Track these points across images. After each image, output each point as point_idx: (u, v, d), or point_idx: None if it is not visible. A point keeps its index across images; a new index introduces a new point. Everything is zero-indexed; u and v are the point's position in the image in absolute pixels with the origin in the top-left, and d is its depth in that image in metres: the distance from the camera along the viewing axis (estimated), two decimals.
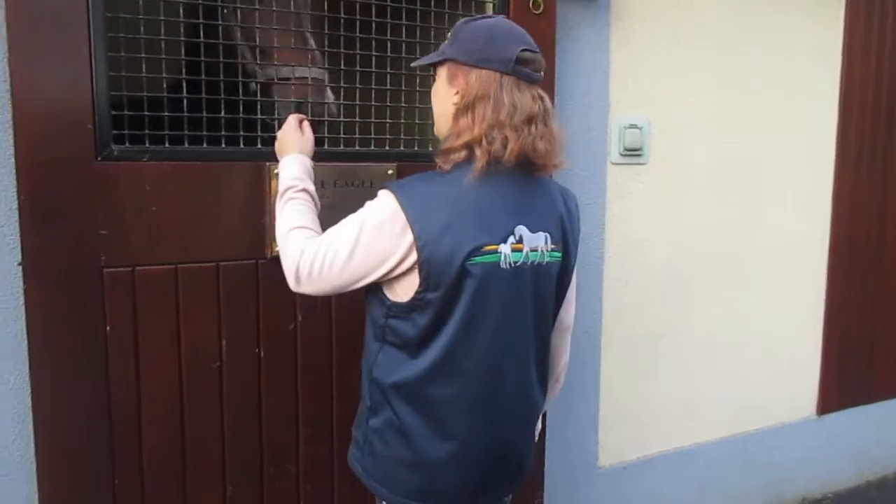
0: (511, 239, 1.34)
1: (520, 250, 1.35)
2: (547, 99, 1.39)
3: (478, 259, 1.31)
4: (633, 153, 2.41)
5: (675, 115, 2.49)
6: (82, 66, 1.55)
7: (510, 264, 1.34)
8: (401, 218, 1.29)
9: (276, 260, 1.74)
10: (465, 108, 1.35)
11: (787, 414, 2.92)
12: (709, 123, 2.56)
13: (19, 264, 1.58)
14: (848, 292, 2.94)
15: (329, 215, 1.78)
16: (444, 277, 1.30)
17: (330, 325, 1.88)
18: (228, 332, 1.76)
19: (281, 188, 1.49)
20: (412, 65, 1.53)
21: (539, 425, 1.67)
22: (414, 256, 1.29)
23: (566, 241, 1.44)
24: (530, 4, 2.03)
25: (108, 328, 1.64)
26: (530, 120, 1.33)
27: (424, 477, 1.40)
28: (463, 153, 1.34)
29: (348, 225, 1.35)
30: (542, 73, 1.39)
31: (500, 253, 1.33)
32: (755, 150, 2.67)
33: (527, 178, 1.38)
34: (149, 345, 1.68)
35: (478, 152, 1.32)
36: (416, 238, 1.28)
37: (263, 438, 1.83)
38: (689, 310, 2.63)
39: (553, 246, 1.40)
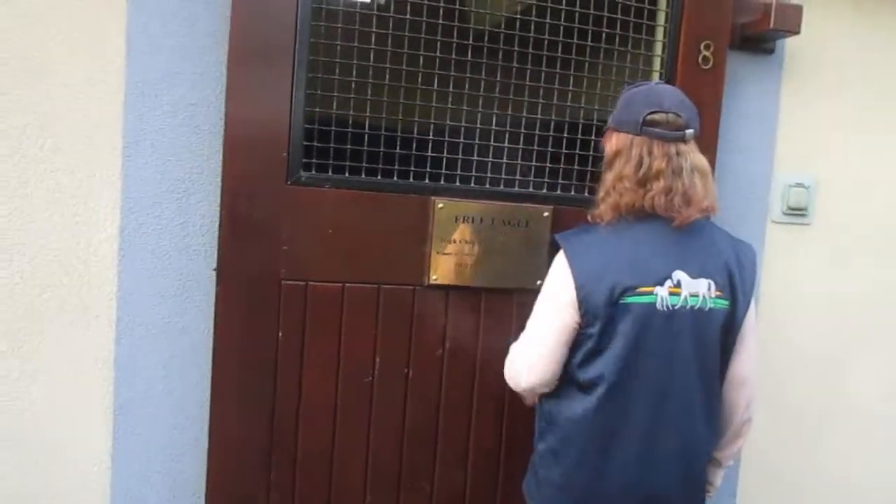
0: (668, 283, 1.43)
1: (678, 294, 1.43)
2: (690, 156, 1.47)
3: (631, 298, 1.42)
4: (796, 213, 2.34)
5: (843, 177, 2.38)
6: (284, 102, 1.77)
7: (667, 307, 1.42)
8: (566, 266, 1.47)
9: (433, 287, 1.89)
10: (606, 165, 1.53)
11: None
12: (883, 186, 2.43)
13: (214, 269, 1.80)
14: None
15: (486, 250, 1.91)
16: (601, 314, 1.42)
17: (475, 358, 1.96)
18: (382, 350, 1.90)
19: None
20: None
21: (717, 479, 1.68)
22: (576, 297, 1.43)
23: (734, 289, 1.49)
24: (699, 59, 2.05)
25: (280, 334, 1.83)
26: (658, 175, 1.44)
27: (571, 500, 1.49)
28: (600, 207, 1.52)
29: (537, 309, 1.55)
30: (686, 131, 1.47)
31: (656, 295, 1.43)
32: None
33: (686, 227, 1.46)
34: (313, 354, 1.85)
35: (607, 202, 1.50)
36: (575, 279, 1.44)
37: (403, 454, 1.94)
38: (846, 382, 2.47)
39: (718, 293, 1.47)
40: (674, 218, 1.44)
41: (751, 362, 1.57)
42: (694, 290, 1.44)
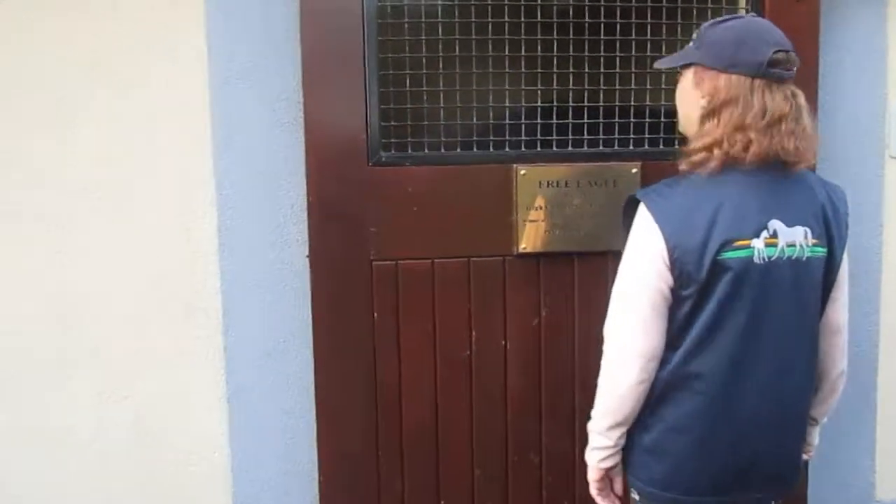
0: (764, 233, 1.32)
1: (774, 245, 1.32)
2: (801, 96, 1.36)
3: (729, 254, 1.31)
4: None
5: None
6: (358, 86, 1.79)
7: (764, 259, 1.32)
8: (653, 225, 1.34)
9: (523, 256, 1.87)
10: (711, 112, 1.36)
11: None
12: None
13: (307, 256, 1.85)
14: None
15: (574, 214, 1.87)
16: (696, 275, 1.31)
17: (573, 323, 1.92)
18: (478, 324, 1.89)
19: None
20: (655, 65, 1.55)
21: (814, 438, 1.60)
22: (668, 256, 1.33)
23: (830, 235, 1.38)
24: None
25: (374, 315, 1.86)
26: (780, 119, 1.32)
27: (666, 466, 1.40)
28: (702, 155, 1.35)
29: (621, 276, 1.41)
30: (795, 69, 1.36)
31: (753, 248, 1.31)
32: None
33: (780, 173, 1.35)
34: (409, 332, 1.87)
35: (716, 152, 1.33)
36: (666, 240, 1.32)
37: (508, 427, 1.93)
38: None
39: (815, 241, 1.36)
40: (794, 163, 1.34)
41: (845, 310, 1.47)
42: (791, 239, 1.34)
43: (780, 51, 1.33)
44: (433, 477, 1.91)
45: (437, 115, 1.86)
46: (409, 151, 1.85)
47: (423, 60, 1.84)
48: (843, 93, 2.09)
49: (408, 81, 1.83)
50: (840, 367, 1.50)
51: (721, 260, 1.31)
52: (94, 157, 1.82)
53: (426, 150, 1.86)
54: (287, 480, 1.95)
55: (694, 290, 1.33)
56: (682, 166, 1.40)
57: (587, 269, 1.90)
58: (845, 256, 1.44)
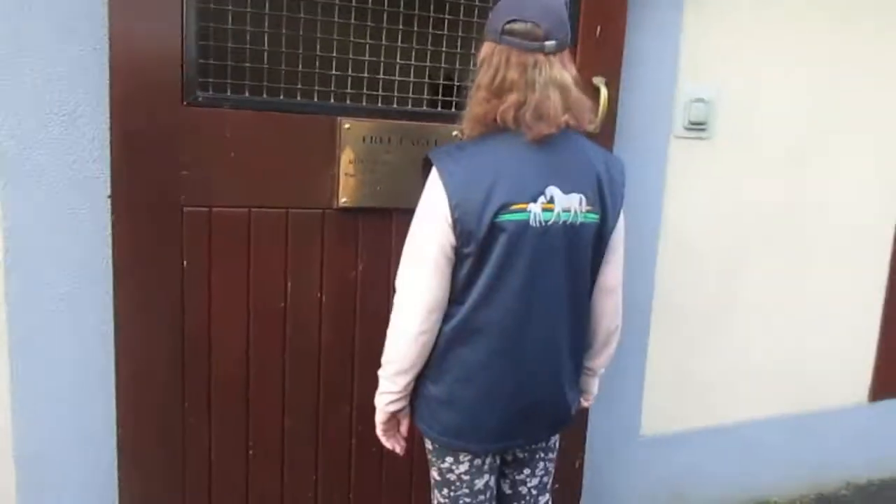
0: (542, 199, 1.42)
1: (550, 210, 1.43)
2: (550, 69, 1.41)
3: (506, 216, 1.40)
4: (696, 127, 2.41)
5: (744, 91, 2.46)
6: (174, 15, 1.65)
7: (540, 223, 1.42)
8: (439, 184, 1.41)
9: (342, 210, 1.86)
10: (474, 75, 1.49)
11: (839, 398, 2.91)
12: (781, 102, 2.52)
13: (108, 197, 1.71)
14: None
15: (395, 171, 1.89)
16: (476, 234, 1.39)
17: (388, 278, 1.96)
18: (293, 276, 1.87)
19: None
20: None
21: (593, 388, 1.75)
22: (450, 215, 1.40)
23: (604, 203, 1.50)
24: None
25: (184, 262, 1.77)
26: (511, 87, 1.41)
27: (455, 416, 1.52)
28: (464, 120, 1.49)
29: (411, 232, 1.47)
30: (546, 43, 1.41)
31: (530, 211, 1.41)
32: (829, 135, 2.62)
33: (559, 141, 1.45)
34: (221, 281, 1.81)
35: (466, 118, 1.47)
36: (449, 199, 1.39)
37: (321, 377, 1.95)
38: (746, 287, 2.63)
39: (589, 207, 1.47)
40: (525, 133, 1.42)
41: (619, 272, 1.60)
42: (566, 205, 1.43)
43: (516, 21, 1.41)
44: (243, 428, 1.89)
45: (260, 57, 1.77)
46: (229, 93, 1.75)
47: None
48: (642, 73, 2.28)
49: (230, 18, 1.72)
50: (615, 322, 1.65)
51: (499, 222, 1.39)
52: None
53: (247, 94, 1.77)
54: (79, 437, 1.82)
55: (474, 248, 1.41)
56: (456, 131, 1.50)
57: (405, 225, 1.91)
58: (621, 222, 1.56)
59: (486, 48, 1.46)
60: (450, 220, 1.40)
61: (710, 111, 2.41)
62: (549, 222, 1.43)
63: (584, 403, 1.77)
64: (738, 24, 2.40)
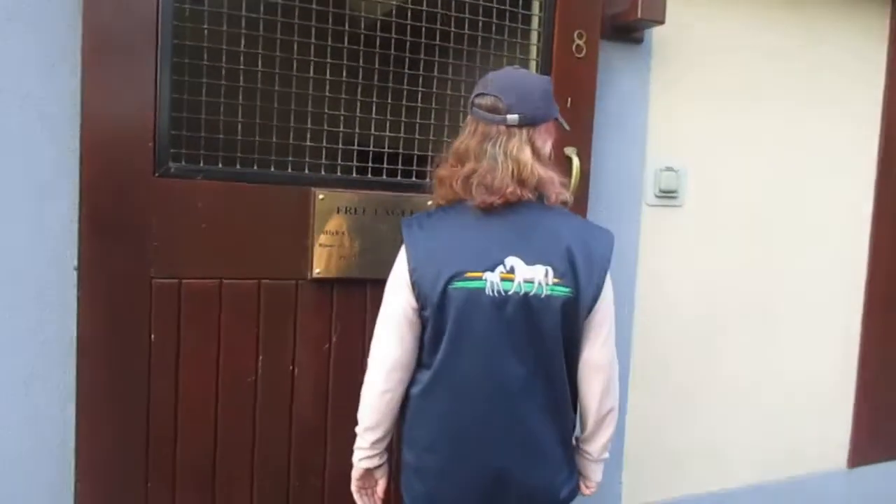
0: (500, 268, 1.43)
1: (510, 279, 1.42)
2: (507, 142, 1.44)
3: (460, 283, 1.41)
4: (668, 195, 2.45)
5: (710, 159, 2.52)
6: (148, 88, 1.65)
7: (498, 292, 1.42)
8: (404, 249, 1.48)
9: (316, 281, 1.84)
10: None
11: (817, 465, 2.88)
12: (744, 169, 2.59)
13: (75, 269, 1.67)
14: (884, 343, 2.90)
15: (370, 241, 1.88)
16: (431, 298, 1.42)
17: (362, 348, 1.93)
18: (265, 349, 1.83)
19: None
20: None
21: (594, 474, 1.63)
22: (409, 278, 1.44)
23: (576, 276, 1.45)
24: (573, 48, 2.09)
25: (152, 336, 1.72)
26: (466, 155, 1.47)
27: (422, 484, 1.51)
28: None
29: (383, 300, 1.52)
30: (508, 116, 1.44)
31: (486, 280, 1.42)
32: (792, 198, 2.69)
33: (525, 212, 1.46)
34: (189, 356, 1.76)
35: (437, 180, 1.53)
36: (409, 261, 1.45)
37: (292, 453, 1.88)
38: (720, 353, 2.63)
39: (557, 280, 1.43)
40: (473, 201, 1.43)
41: (605, 349, 1.52)
42: (529, 276, 1.42)
43: (483, 94, 1.47)
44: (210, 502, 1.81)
45: (234, 128, 1.78)
46: (202, 164, 1.74)
47: (223, 71, 1.75)
48: (612, 144, 2.33)
49: (204, 90, 1.73)
50: (607, 404, 1.55)
51: (452, 289, 1.41)
52: None
53: (220, 165, 1.76)
54: None
55: (431, 312, 1.43)
56: (430, 201, 1.56)
57: (379, 295, 1.90)
58: (607, 297, 1.50)
59: (468, 120, 1.52)
60: (409, 282, 1.44)
61: (681, 180, 2.46)
62: (510, 292, 1.42)
63: (585, 491, 1.65)
64: (701, 94, 2.48)
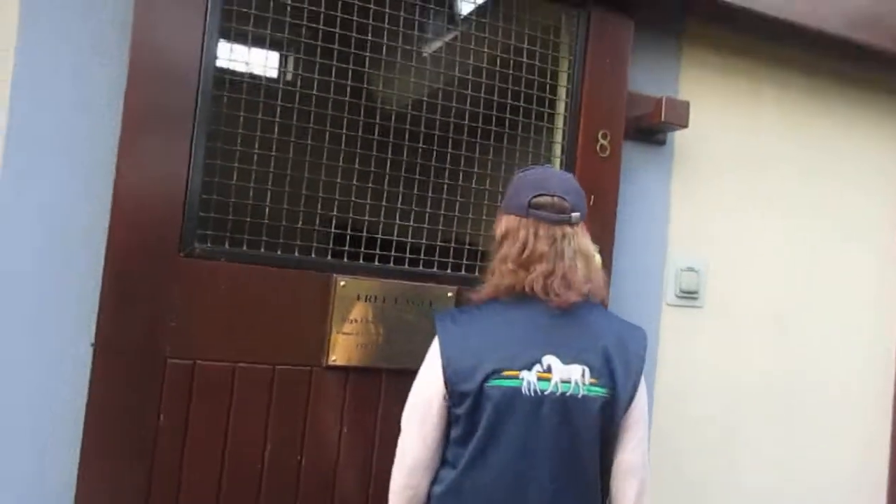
0: (537, 367, 1.41)
1: (547, 379, 1.40)
2: (576, 239, 1.48)
3: (496, 381, 1.39)
4: (688, 295, 2.43)
5: (732, 260, 2.51)
6: (181, 169, 1.69)
7: (535, 391, 1.40)
8: (437, 344, 1.46)
9: (331, 369, 1.81)
10: (496, 247, 1.53)
11: None
12: (767, 271, 2.57)
13: (92, 345, 1.65)
14: None
15: (389, 330, 1.86)
16: (466, 395, 1.40)
17: (373, 442, 1.88)
18: (274, 436, 1.78)
19: None
20: None
21: None
22: (442, 374, 1.42)
23: (613, 376, 1.44)
24: (597, 148, 2.13)
25: (161, 417, 1.68)
26: (541, 258, 1.45)
27: None
28: (482, 284, 1.53)
29: (412, 389, 1.50)
30: (572, 214, 1.48)
31: (522, 379, 1.40)
32: (813, 300, 2.65)
33: (567, 310, 1.45)
34: (196, 441, 1.72)
35: (489, 282, 1.50)
36: (442, 358, 1.43)
37: None
38: (739, 458, 2.53)
39: (593, 380, 1.42)
40: (552, 301, 1.43)
41: (639, 451, 1.49)
42: (566, 376, 1.41)
43: (543, 195, 1.48)
44: None
45: (261, 212, 1.80)
46: (227, 246, 1.76)
47: (255, 157, 1.79)
48: (633, 243, 2.33)
49: (235, 174, 1.76)
50: None
51: (488, 386, 1.38)
52: None
53: (244, 248, 1.78)
54: None
55: (464, 410, 1.39)
56: (472, 295, 1.54)
57: (394, 385, 1.89)
58: (642, 399, 1.48)
59: (509, 221, 1.50)
60: (441, 378, 1.42)
61: (701, 280, 2.45)
62: (546, 392, 1.39)
63: None
64: (723, 196, 2.50)
